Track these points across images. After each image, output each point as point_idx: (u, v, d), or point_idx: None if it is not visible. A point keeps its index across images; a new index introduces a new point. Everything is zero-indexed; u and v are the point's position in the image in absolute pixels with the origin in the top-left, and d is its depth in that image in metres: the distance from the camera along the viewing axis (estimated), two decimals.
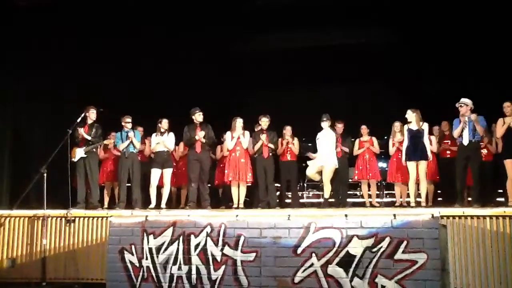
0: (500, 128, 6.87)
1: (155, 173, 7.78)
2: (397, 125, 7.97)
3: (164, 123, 7.86)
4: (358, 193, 10.70)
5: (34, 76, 8.74)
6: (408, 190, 7.53)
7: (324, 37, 9.92)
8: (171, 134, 7.94)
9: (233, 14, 9.03)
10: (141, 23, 9.05)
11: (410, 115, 7.21)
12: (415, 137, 7.14)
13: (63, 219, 6.63)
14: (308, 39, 10.00)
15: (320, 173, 7.49)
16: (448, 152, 8.19)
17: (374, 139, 8.51)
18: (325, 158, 7.36)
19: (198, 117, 7.75)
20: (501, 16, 8.26)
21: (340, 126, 8.35)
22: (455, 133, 6.99)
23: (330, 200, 7.72)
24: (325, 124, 7.53)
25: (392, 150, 8.15)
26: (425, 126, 7.18)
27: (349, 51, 9.92)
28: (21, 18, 8.44)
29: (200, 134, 7.64)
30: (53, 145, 6.70)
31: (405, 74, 9.76)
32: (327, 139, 7.46)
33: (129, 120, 7.81)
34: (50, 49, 8.74)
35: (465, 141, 6.84)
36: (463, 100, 6.90)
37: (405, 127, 7.29)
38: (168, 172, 7.87)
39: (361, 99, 10.47)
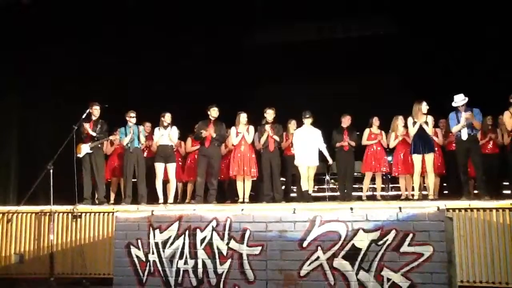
0: (509, 121, 6.82)
1: (159, 167, 7.82)
2: (400, 117, 7.93)
3: (167, 117, 7.89)
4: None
5: (39, 72, 8.77)
6: (413, 183, 7.50)
7: (328, 29, 9.89)
8: (174, 128, 7.98)
9: (236, 9, 9.01)
10: (147, 18, 9.05)
11: (416, 107, 7.13)
12: (421, 129, 7.09)
13: (70, 214, 6.68)
14: (313, 32, 9.96)
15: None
16: (454, 144, 8.13)
17: (383, 132, 8.43)
18: (306, 157, 7.38)
19: (213, 112, 7.78)
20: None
21: (347, 119, 8.31)
22: (454, 130, 7.00)
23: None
24: (308, 121, 7.57)
25: (393, 143, 8.09)
26: (430, 119, 7.14)
27: (355, 44, 9.89)
28: (24, 13, 8.45)
29: (206, 132, 7.63)
30: (59, 141, 6.72)
31: (412, 66, 9.69)
32: (311, 137, 7.46)
33: (133, 114, 7.82)
34: (53, 44, 8.75)
35: (464, 136, 6.87)
36: (460, 97, 6.86)
37: (409, 119, 7.23)
38: (172, 167, 7.90)
39: (367, 92, 10.40)
